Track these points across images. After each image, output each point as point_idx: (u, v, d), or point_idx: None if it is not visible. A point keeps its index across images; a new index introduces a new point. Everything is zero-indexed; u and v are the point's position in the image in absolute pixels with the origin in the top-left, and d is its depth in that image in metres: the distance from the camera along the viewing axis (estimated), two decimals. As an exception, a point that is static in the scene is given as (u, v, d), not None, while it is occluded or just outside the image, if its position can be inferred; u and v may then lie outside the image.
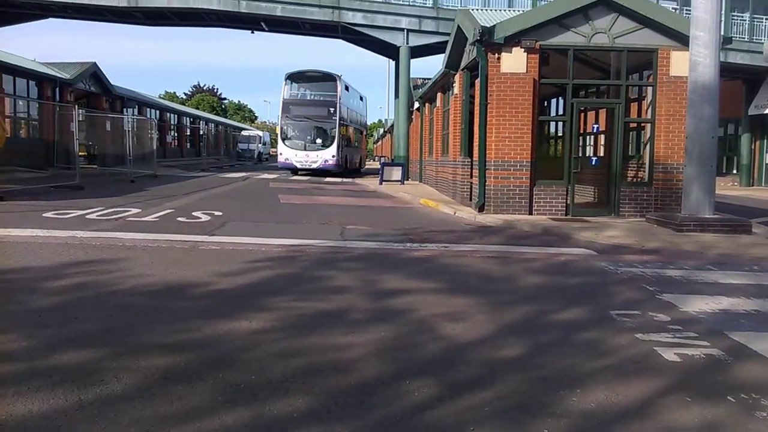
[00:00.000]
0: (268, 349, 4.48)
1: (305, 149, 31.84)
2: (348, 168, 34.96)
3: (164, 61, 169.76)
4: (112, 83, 35.94)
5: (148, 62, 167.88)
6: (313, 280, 6.92)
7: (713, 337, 5.06)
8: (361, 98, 41.46)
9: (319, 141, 32.00)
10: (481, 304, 6.01)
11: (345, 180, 30.10)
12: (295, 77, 33.59)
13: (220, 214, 12.87)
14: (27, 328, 4.72)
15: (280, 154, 32.44)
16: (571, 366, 4.34)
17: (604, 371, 4.24)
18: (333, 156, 31.62)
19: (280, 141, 32.59)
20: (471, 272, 7.73)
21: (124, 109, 37.36)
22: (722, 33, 12.48)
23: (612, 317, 5.65)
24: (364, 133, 46.96)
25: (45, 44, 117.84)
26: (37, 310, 5.25)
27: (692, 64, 11.80)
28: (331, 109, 32.10)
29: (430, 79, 26.39)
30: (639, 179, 14.55)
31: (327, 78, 33.12)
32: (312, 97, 34.41)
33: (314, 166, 31.73)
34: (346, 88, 34.50)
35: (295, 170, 32.72)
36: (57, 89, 29.82)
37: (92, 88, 34.50)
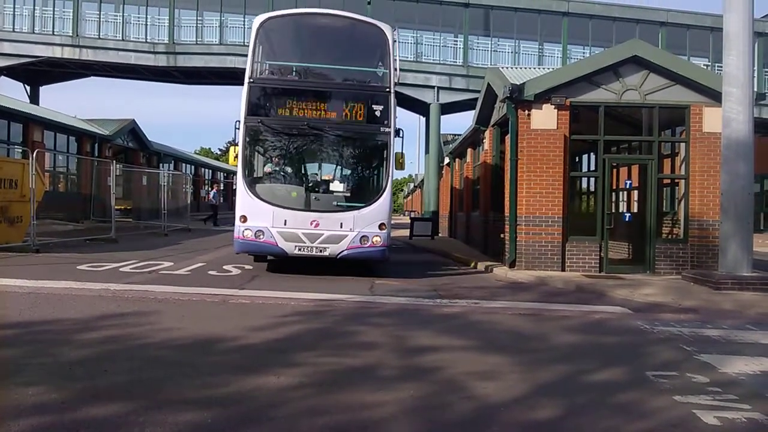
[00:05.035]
0: (295, 405, 4.42)
1: (308, 208, 12.05)
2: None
3: (200, 118, 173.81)
4: (149, 139, 36.88)
5: (185, 119, 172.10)
6: (341, 335, 6.87)
7: (755, 400, 4.87)
8: None
9: (341, 186, 12.78)
10: (514, 362, 5.88)
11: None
12: (281, 28, 13.63)
13: (251, 267, 12.94)
14: (57, 381, 4.73)
15: (241, 217, 11.90)
16: (607, 429, 4.20)
17: (642, 435, 4.09)
18: (382, 224, 12.04)
19: (240, 183, 12.15)
20: (503, 330, 7.61)
21: (161, 164, 38.20)
22: (755, 89, 12.42)
23: (648, 378, 5.48)
24: None
25: (86, 101, 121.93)
26: (68, 363, 5.28)
27: (725, 120, 11.73)
28: (376, 108, 12.35)
29: (460, 134, 26.54)
30: (674, 236, 14.31)
31: (364, 33, 13.36)
32: (327, 73, 13.48)
33: (333, 251, 11.86)
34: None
35: (275, 257, 13.02)
36: (96, 145, 30.63)
37: (130, 144, 35.42)
